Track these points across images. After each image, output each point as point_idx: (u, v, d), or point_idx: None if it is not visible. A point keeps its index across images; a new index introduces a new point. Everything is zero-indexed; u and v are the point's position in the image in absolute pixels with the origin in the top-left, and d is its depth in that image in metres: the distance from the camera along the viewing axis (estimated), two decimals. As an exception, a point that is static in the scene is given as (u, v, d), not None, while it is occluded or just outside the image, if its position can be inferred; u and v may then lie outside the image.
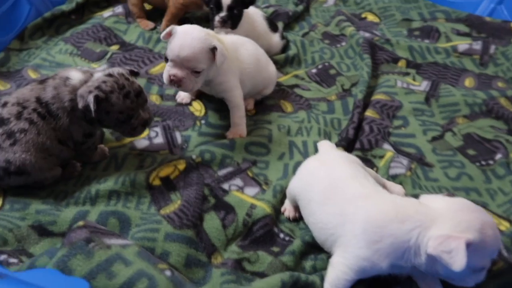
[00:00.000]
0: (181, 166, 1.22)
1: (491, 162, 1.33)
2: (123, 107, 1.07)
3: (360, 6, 2.29)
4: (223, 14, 1.53)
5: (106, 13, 2.02)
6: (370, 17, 2.20)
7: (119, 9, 2.03)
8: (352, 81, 1.71)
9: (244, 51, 1.41)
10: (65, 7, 1.95)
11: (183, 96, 1.52)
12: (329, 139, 1.41)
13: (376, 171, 1.28)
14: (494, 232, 0.84)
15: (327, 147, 1.22)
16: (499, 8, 2.08)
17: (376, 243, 0.87)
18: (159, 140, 1.36)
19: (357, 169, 1.04)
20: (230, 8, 1.52)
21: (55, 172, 1.14)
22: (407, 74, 1.74)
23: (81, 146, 1.17)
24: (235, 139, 1.34)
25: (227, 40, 1.38)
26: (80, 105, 1.04)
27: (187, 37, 1.20)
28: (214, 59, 1.22)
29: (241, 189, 1.21)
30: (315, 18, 2.17)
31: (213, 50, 1.22)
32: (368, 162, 1.31)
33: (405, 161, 1.31)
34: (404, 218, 0.87)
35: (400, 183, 1.23)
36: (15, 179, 1.08)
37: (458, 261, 0.78)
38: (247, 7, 1.57)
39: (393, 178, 1.25)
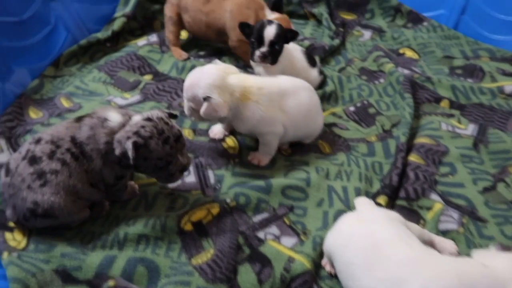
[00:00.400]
0: (215, 210, 1.15)
1: (551, 219, 1.22)
2: (162, 153, 1.00)
3: (398, 41, 2.22)
4: (264, 49, 1.48)
5: (141, 41, 2.01)
6: (409, 53, 2.12)
7: (153, 38, 2.02)
8: (393, 122, 1.63)
9: (293, 101, 1.31)
10: (101, 34, 1.94)
11: (216, 131, 1.46)
12: (371, 185, 1.32)
13: (424, 225, 1.18)
14: None
15: (365, 205, 1.13)
16: (547, 48, 1.99)
17: None
18: (191, 179, 1.29)
19: (400, 228, 0.95)
20: (272, 43, 1.47)
21: (84, 214, 1.08)
22: (451, 115, 1.64)
23: (112, 188, 1.11)
24: (272, 181, 1.26)
25: (274, 86, 1.30)
26: (117, 151, 0.98)
27: (196, 74, 1.23)
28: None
29: (277, 238, 1.13)
30: (351, 52, 2.11)
31: (206, 99, 1.19)
32: (414, 214, 1.21)
33: (455, 214, 1.20)
34: (470, 285, 0.78)
35: (452, 240, 1.12)
36: (41, 221, 1.02)
37: None
38: (288, 42, 1.52)
39: (444, 234, 1.14)
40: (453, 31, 2.21)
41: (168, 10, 1.90)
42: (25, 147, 1.04)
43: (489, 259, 0.84)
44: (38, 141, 1.03)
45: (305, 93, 1.36)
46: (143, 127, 0.99)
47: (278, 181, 1.27)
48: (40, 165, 1.00)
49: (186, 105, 1.27)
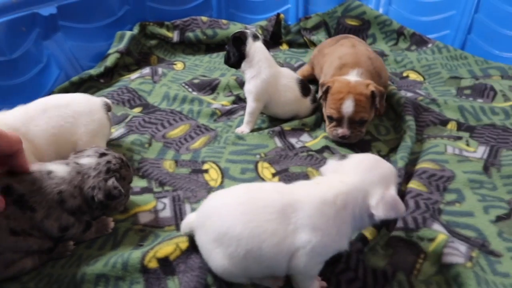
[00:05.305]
0: (184, 244, 1.03)
1: None
2: (131, 178, 1.07)
3: (401, 64, 2.12)
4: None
5: (134, 75, 1.99)
6: (413, 76, 2.02)
7: (146, 70, 2.00)
8: (391, 146, 1.50)
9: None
10: (93, 71, 1.94)
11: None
12: (365, 215, 1.18)
13: (424, 258, 1.02)
14: None
15: None
16: None
17: None
18: (166, 213, 1.19)
19: None
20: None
21: (25, 265, 0.97)
22: (458, 138, 1.49)
23: (59, 241, 1.03)
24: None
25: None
26: (100, 196, 0.98)
27: None
28: None
29: (253, 278, 0.99)
30: (351, 77, 2.02)
31: None
32: (412, 246, 1.05)
33: (462, 247, 1.04)
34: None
35: (457, 276, 0.96)
36: None
37: None
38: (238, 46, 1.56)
39: (448, 268, 0.98)
40: (460, 51, 2.11)
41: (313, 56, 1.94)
42: None
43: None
44: None
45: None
46: (109, 162, 1.00)
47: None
48: None
49: None
